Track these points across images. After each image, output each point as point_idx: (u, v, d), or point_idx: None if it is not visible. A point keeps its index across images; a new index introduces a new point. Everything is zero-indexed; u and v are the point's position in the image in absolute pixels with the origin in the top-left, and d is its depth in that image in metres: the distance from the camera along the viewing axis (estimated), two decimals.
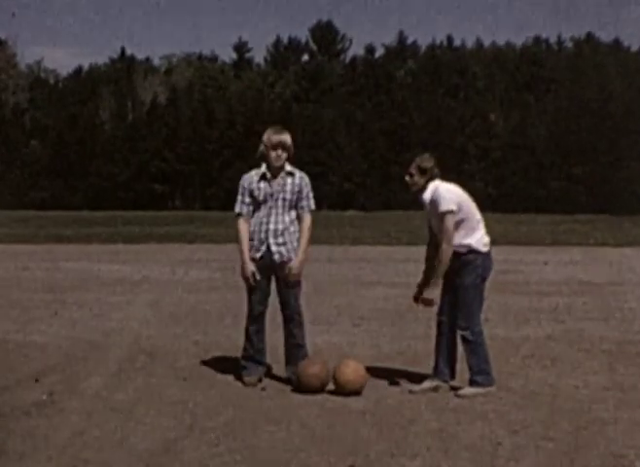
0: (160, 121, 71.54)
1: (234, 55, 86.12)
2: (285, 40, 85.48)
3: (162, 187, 69.65)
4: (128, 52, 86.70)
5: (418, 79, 74.24)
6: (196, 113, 72.33)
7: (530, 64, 74.19)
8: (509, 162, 66.45)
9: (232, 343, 7.95)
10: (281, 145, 6.31)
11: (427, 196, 6.05)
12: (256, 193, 6.34)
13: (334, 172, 68.06)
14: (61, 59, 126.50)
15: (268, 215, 6.32)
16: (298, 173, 6.42)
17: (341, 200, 65.59)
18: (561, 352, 7.78)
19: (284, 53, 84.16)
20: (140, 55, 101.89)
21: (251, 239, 6.36)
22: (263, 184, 6.34)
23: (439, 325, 6.28)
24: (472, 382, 6.12)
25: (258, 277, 6.30)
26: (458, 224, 5.98)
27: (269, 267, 6.35)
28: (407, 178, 6.08)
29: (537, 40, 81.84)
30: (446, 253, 5.91)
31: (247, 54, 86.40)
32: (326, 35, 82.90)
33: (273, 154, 6.30)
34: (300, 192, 6.37)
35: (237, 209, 6.39)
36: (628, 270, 16.78)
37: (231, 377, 6.63)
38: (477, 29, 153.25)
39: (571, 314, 10.37)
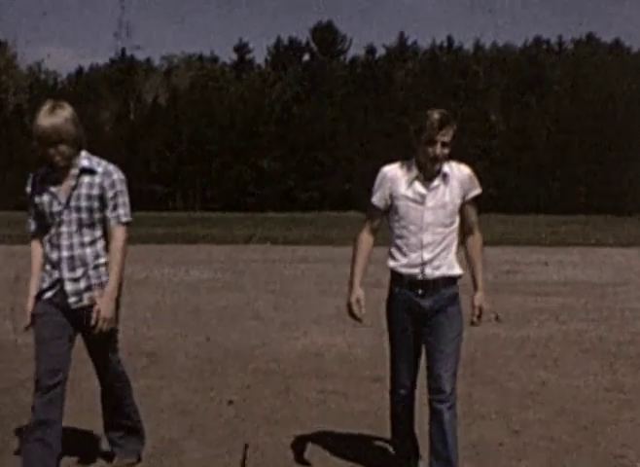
0: (160, 121, 71.59)
1: (235, 56, 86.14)
2: (285, 41, 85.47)
3: (163, 187, 69.70)
4: (129, 53, 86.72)
5: (419, 80, 74.25)
6: (197, 114, 72.36)
7: (531, 65, 74.18)
8: (509, 163, 66.51)
9: (232, 344, 7.95)
10: (54, 134, 3.90)
11: (448, 170, 4.13)
12: (40, 207, 4.09)
13: (334, 173, 68.11)
14: (62, 61, 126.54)
15: (59, 236, 4.06)
16: (100, 168, 4.10)
17: (342, 201, 65.64)
18: (562, 353, 7.78)
19: (284, 53, 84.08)
20: (140, 56, 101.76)
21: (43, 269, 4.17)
22: (47, 192, 4.06)
23: (398, 394, 4.31)
24: None
25: (27, 322, 4.23)
26: (450, 226, 4.16)
27: (65, 312, 4.09)
28: (437, 151, 3.99)
29: (537, 40, 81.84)
30: (482, 244, 4.34)
31: (248, 55, 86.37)
32: (326, 36, 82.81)
33: (51, 151, 3.95)
34: (101, 196, 4.10)
35: (29, 227, 4.22)
36: (629, 271, 16.77)
37: (230, 378, 6.63)
38: (477, 30, 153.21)
39: (571, 315, 10.36)
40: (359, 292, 4.17)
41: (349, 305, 4.18)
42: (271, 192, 68.93)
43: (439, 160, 4.03)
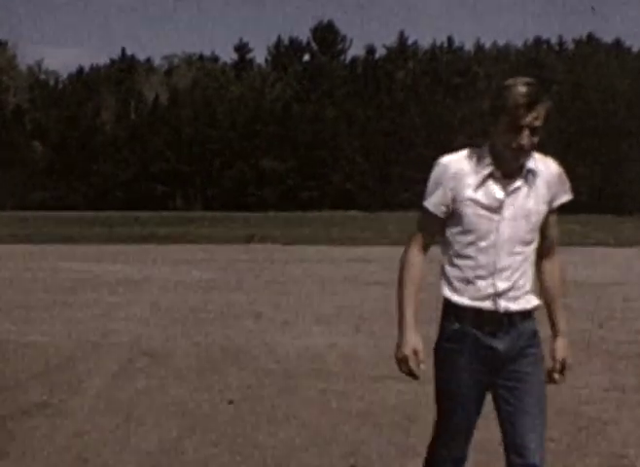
0: (161, 121, 71.61)
1: (235, 56, 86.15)
2: (286, 40, 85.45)
3: (163, 187, 69.69)
4: (129, 52, 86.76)
5: (419, 79, 74.28)
6: (198, 113, 72.38)
7: (531, 65, 74.18)
8: None
9: (232, 344, 7.95)
10: None
11: (534, 166, 2.93)
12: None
13: (335, 172, 68.09)
14: (62, 60, 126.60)
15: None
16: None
17: (342, 200, 65.62)
18: None
19: (285, 53, 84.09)
20: (141, 56, 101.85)
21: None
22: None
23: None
24: None
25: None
26: (531, 244, 2.96)
27: None
28: (524, 140, 2.83)
29: (538, 40, 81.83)
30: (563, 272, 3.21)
31: (248, 55, 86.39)
32: (327, 35, 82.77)
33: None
34: None
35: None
36: (629, 271, 16.77)
37: (231, 378, 6.63)
38: (477, 30, 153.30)
39: (571, 314, 10.34)
40: (415, 341, 2.98)
41: (403, 360, 2.98)
42: (272, 191, 68.94)
43: (525, 151, 2.83)
